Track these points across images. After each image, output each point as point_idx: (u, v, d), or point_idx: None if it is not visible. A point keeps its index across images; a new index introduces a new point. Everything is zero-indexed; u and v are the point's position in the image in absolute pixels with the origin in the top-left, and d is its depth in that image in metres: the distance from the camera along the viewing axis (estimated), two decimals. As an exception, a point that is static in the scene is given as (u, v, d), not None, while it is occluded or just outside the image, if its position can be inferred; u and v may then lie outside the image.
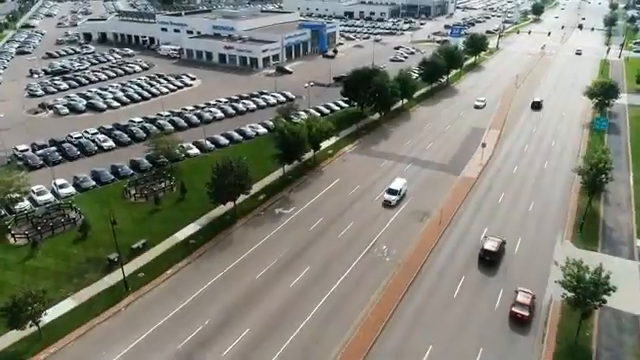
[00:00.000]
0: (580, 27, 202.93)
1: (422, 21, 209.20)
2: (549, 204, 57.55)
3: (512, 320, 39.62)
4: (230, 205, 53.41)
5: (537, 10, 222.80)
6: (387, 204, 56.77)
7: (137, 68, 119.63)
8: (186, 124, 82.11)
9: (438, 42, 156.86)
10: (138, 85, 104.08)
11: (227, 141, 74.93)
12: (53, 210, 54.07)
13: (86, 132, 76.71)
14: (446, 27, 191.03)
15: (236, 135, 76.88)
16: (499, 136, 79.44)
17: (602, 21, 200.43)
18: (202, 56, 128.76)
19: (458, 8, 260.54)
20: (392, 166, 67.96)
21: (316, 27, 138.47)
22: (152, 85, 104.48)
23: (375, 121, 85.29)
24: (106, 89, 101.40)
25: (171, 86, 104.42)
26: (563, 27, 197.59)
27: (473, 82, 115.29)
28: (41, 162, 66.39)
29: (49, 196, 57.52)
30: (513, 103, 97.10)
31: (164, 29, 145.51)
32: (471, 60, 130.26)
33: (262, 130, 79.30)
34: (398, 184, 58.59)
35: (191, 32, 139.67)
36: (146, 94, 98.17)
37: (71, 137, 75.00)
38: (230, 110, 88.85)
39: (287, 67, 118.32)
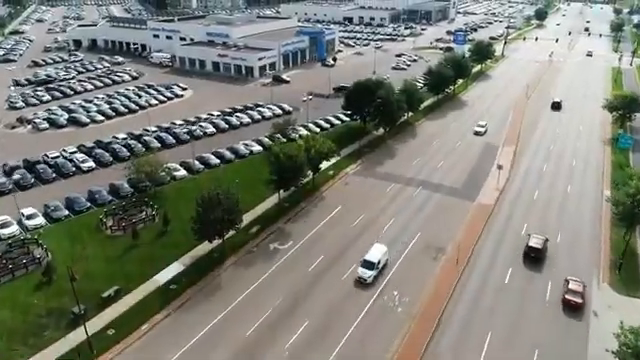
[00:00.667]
0: (587, 31, 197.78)
1: (423, 27, 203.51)
2: (578, 238, 51.10)
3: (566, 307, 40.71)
4: (218, 240, 46.92)
5: (540, 15, 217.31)
6: (361, 282, 43.43)
7: (126, 77, 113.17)
8: (174, 141, 75.55)
9: (441, 49, 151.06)
10: (125, 97, 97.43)
11: (218, 161, 68.39)
12: (16, 247, 47.38)
13: (64, 151, 70.12)
14: (448, 33, 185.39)
15: (228, 154, 70.36)
16: (514, 153, 73.13)
17: (609, 27, 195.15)
18: (195, 64, 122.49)
19: (459, 13, 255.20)
20: (399, 190, 61.42)
21: (314, 34, 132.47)
22: (140, 96, 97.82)
23: (379, 137, 78.89)
24: (91, 101, 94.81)
25: (161, 97, 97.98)
26: (570, 33, 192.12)
27: (481, 92, 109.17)
28: (10, 186, 59.86)
29: (14, 228, 50.98)
30: (525, 116, 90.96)
31: (156, 36, 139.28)
32: (477, 68, 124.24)
33: (257, 148, 72.74)
34: (376, 254, 44.79)
35: (184, 39, 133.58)
36: (133, 106, 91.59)
37: (47, 157, 68.32)
38: (223, 124, 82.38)
39: (284, 76, 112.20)
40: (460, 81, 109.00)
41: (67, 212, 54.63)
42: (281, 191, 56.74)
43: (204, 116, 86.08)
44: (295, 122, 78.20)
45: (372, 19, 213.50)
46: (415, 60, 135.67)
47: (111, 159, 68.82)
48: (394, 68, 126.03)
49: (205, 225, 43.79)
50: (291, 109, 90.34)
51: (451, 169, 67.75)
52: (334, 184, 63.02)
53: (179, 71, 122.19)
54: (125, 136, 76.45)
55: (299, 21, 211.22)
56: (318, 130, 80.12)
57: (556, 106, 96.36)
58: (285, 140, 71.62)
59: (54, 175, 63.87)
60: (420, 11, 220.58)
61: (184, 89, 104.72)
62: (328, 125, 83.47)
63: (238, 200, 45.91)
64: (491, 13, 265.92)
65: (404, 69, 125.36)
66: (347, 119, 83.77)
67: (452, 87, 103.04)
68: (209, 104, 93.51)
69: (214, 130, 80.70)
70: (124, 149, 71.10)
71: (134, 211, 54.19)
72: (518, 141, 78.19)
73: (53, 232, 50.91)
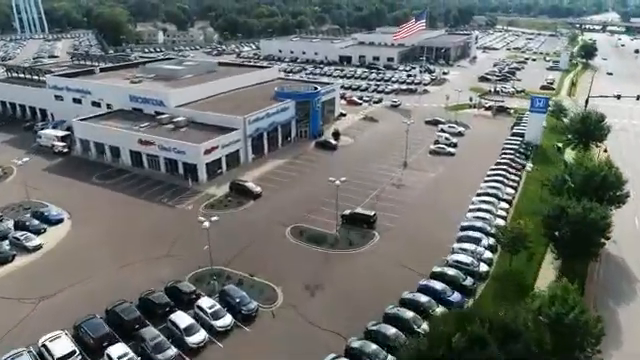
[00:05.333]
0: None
1: (444, 69, 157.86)
2: None
3: None
4: None
5: (588, 52, 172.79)
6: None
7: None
8: None
9: (488, 108, 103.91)
10: None
11: None
12: None
13: None
14: (481, 79, 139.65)
15: None
16: None
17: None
18: (105, 152, 73.15)
19: (478, 49, 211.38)
20: None
21: (305, 96, 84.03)
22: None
23: None
24: None
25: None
26: None
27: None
28: None
29: None
30: None
31: (59, 97, 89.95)
32: (569, 153, 76.56)
33: None
34: None
35: (98, 104, 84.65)
36: None
37: None
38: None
39: (249, 184, 62.45)
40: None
41: None
42: None
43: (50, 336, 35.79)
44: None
45: (376, 59, 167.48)
46: (460, 133, 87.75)
47: None
48: (434, 152, 77.80)
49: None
50: (254, 308, 40.22)
51: None
52: None
53: (78, 164, 72.49)
54: None
55: (283, 63, 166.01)
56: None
57: None
58: None
59: None
60: (435, 48, 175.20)
61: (56, 222, 54.65)
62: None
63: None
64: (515, 48, 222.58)
65: (450, 153, 77.18)
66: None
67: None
68: (84, 268, 43.79)
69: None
70: None
71: None
72: None
73: None
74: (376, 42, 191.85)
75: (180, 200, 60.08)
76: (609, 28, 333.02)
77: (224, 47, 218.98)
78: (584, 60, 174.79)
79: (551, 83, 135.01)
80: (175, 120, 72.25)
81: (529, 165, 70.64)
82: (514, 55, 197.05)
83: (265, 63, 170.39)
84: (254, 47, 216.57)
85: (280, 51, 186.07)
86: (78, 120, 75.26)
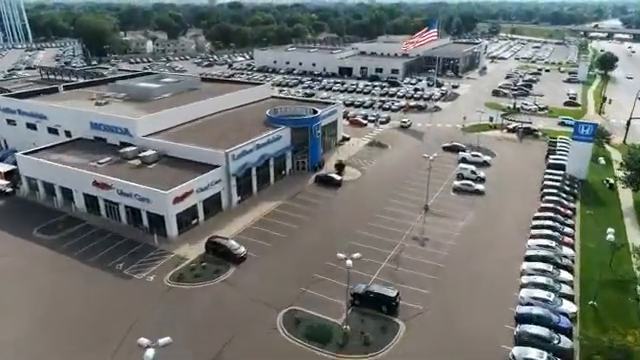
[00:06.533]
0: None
1: (453, 81, 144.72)
2: None
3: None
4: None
5: (606, 63, 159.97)
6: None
7: None
8: None
9: (512, 130, 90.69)
10: None
11: None
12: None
13: None
14: (495, 94, 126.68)
15: None
16: None
17: None
18: (54, 194, 59.19)
19: (486, 59, 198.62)
20: None
21: (302, 122, 70.44)
22: None
23: None
24: None
25: None
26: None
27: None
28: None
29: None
30: None
31: (11, 122, 76.07)
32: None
33: None
34: None
35: (56, 131, 70.89)
36: None
37: None
38: None
39: (230, 243, 47.59)
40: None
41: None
42: None
43: None
44: None
45: (379, 71, 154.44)
46: (486, 163, 74.28)
47: None
48: (459, 190, 64.22)
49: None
50: None
51: None
52: None
53: (22, 211, 58.42)
54: None
55: (281, 73, 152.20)
56: None
57: None
58: None
59: None
60: (442, 59, 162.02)
61: (-34, 304, 40.87)
62: None
63: None
64: (523, 58, 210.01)
65: (478, 191, 63.53)
66: None
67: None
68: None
69: None
70: None
71: None
72: None
73: None
74: (378, 52, 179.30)
75: (140, 266, 45.95)
76: (616, 35, 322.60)
77: (215, 57, 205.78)
78: (603, 71, 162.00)
79: (574, 98, 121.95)
80: (142, 155, 58.35)
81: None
82: (525, 65, 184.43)
83: (259, 75, 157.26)
84: (248, 57, 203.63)
85: (275, 62, 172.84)
86: (22, 154, 61.20)
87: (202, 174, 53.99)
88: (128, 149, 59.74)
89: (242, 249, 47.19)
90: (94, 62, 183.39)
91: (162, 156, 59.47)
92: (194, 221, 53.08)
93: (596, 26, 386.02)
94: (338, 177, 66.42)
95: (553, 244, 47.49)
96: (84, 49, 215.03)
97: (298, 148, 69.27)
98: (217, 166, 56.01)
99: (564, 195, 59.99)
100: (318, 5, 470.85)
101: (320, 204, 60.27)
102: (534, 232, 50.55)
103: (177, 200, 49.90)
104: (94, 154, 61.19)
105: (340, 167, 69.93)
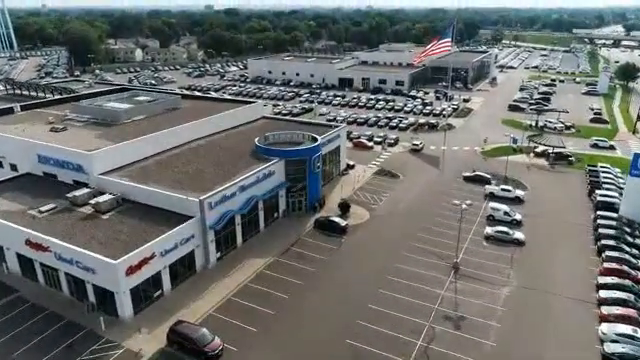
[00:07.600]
0: None
1: (463, 94, 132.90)
2: None
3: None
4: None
5: (629, 73, 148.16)
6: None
7: None
8: None
9: (541, 154, 78.73)
10: None
11: None
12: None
13: None
14: (512, 109, 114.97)
15: None
16: None
17: None
18: (-14, 252, 46.80)
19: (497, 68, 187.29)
20: None
21: (298, 154, 57.99)
22: None
23: None
24: None
25: None
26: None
27: None
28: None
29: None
30: None
31: (-49, 151, 63.84)
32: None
33: None
34: None
35: (0, 164, 58.54)
36: None
37: None
38: None
39: (200, 334, 34.82)
40: None
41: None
42: None
43: None
44: None
45: (383, 82, 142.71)
46: (519, 199, 62.00)
47: None
48: (493, 239, 52.03)
49: None
50: None
51: None
52: None
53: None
54: None
55: (277, 84, 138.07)
56: None
57: None
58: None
59: None
60: (449, 69, 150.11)
61: None
62: None
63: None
64: (534, 67, 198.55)
65: (517, 241, 51.26)
66: None
67: None
68: None
69: None
70: None
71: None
72: None
73: None
74: (380, 62, 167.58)
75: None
76: (623, 42, 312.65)
77: (208, 67, 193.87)
78: (623, 82, 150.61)
79: (599, 114, 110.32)
80: (95, 202, 45.85)
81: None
82: (537, 75, 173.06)
83: (252, 87, 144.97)
84: (241, 67, 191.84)
85: (270, 72, 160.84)
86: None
87: (170, 229, 41.60)
88: (78, 193, 47.13)
89: (217, 342, 34.65)
90: (77, 72, 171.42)
91: (122, 201, 47.12)
92: (157, 293, 40.65)
93: (599, 32, 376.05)
94: (343, 222, 54.02)
95: (638, 332, 35.25)
96: (69, 58, 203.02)
97: (294, 184, 56.98)
98: (190, 217, 43.69)
99: (627, 248, 47.81)
100: (316, 12, 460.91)
101: (320, 261, 47.84)
102: (605, 311, 38.24)
103: (132, 270, 37.41)
104: (38, 197, 48.86)
105: (345, 207, 57.64)
